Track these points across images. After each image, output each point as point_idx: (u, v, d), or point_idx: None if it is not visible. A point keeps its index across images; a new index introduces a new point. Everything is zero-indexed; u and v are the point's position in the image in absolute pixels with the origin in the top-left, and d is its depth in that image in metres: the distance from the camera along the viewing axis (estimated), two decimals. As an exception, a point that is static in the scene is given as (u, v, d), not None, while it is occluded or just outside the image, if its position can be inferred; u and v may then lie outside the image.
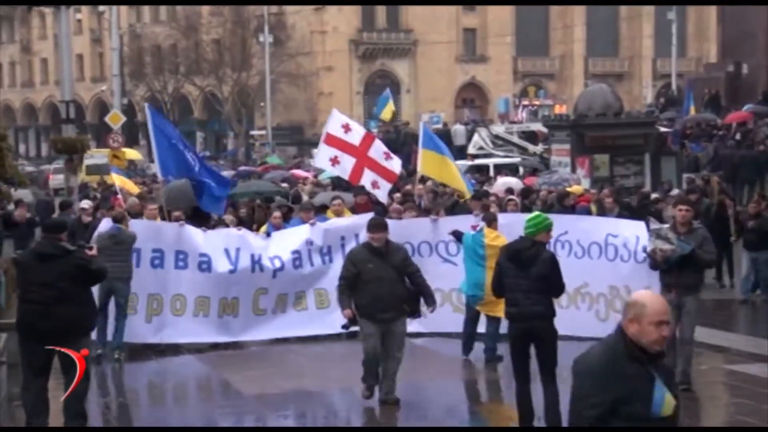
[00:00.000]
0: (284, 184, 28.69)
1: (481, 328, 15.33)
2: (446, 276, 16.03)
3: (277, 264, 16.43)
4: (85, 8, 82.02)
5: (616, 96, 32.51)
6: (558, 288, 10.94)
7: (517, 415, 10.86)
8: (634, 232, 15.62)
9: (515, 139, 44.75)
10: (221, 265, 16.33)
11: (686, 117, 37.84)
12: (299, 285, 16.60)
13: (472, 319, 15.05)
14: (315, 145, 67.12)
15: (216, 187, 18.74)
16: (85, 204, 20.84)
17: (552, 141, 32.83)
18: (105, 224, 16.27)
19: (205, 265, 16.31)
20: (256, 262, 16.42)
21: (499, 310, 13.25)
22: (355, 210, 18.38)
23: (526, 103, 77.97)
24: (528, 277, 10.63)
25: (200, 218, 18.46)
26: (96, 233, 15.70)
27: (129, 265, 15.46)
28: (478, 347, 14.97)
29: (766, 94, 37.68)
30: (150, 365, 15.79)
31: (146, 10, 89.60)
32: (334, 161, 18.55)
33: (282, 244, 16.68)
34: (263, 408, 13.28)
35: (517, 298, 10.74)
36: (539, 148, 41.41)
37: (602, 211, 19.18)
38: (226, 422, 12.84)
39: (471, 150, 42.65)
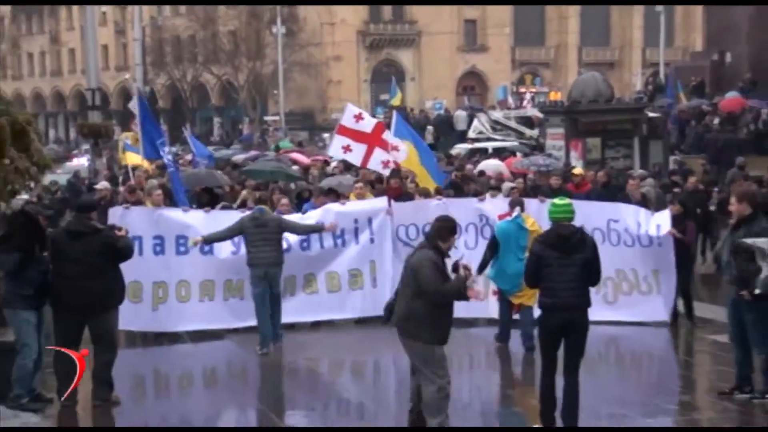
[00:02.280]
0: (295, 167, 28.58)
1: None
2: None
3: (283, 245, 15.03)
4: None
5: (608, 83, 32.47)
6: (599, 274, 10.14)
7: (540, 406, 10.05)
8: (635, 218, 15.38)
9: (513, 124, 44.78)
10: (224, 247, 15.35)
11: (682, 103, 37.78)
12: (308, 267, 15.63)
13: (507, 308, 14.14)
14: (325, 129, 67.52)
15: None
16: (104, 184, 20.79)
17: (547, 126, 32.86)
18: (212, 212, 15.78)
19: (207, 247, 15.30)
20: None
21: (533, 299, 12.51)
22: (387, 193, 17.37)
23: (523, 90, 78.05)
24: (572, 265, 9.78)
25: (213, 198, 18.27)
26: (240, 216, 14.84)
27: (277, 250, 14.38)
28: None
29: (751, 81, 37.62)
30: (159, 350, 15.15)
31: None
32: (346, 149, 18.01)
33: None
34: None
35: (556, 288, 9.81)
36: (534, 133, 41.48)
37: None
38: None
39: (471, 134, 42.70)
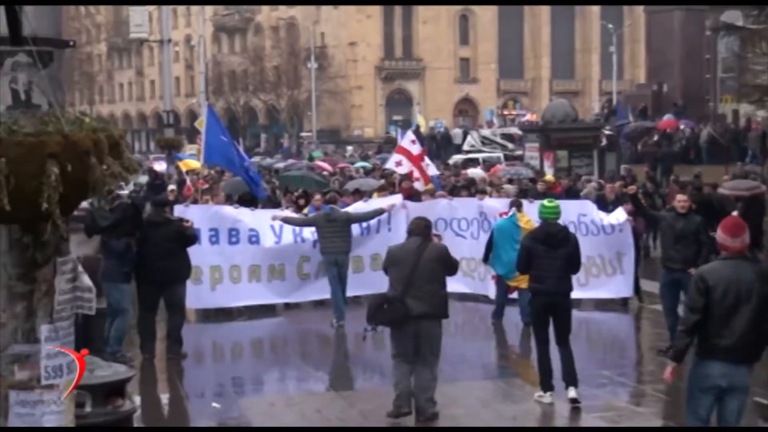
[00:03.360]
0: (325, 173, 28.42)
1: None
2: (459, 246, 14.77)
3: (317, 235, 14.32)
4: (180, 42, 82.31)
5: (573, 108, 32.46)
6: (579, 265, 9.67)
7: (539, 373, 9.58)
8: (598, 213, 15.05)
9: (498, 139, 44.83)
10: (268, 238, 14.70)
11: (632, 124, 37.75)
12: None
13: (505, 291, 13.71)
14: (348, 143, 67.46)
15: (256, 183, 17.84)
16: (171, 187, 20.56)
17: (525, 141, 32.89)
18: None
19: (254, 238, 14.64)
20: (297, 235, 14.80)
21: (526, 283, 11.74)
22: (401, 193, 16.79)
23: (506, 112, 77.91)
24: (558, 257, 9.31)
25: (247, 203, 17.69)
26: (314, 213, 14.46)
27: (346, 240, 13.79)
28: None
29: (682, 106, 37.77)
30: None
31: (225, 43, 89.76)
32: (398, 164, 18.22)
33: None
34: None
35: (544, 276, 9.33)
36: (510, 145, 42.16)
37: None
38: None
39: (465, 147, 42.75)
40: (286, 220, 14.54)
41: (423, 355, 8.86)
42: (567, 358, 9.40)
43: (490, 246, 13.70)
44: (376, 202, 15.70)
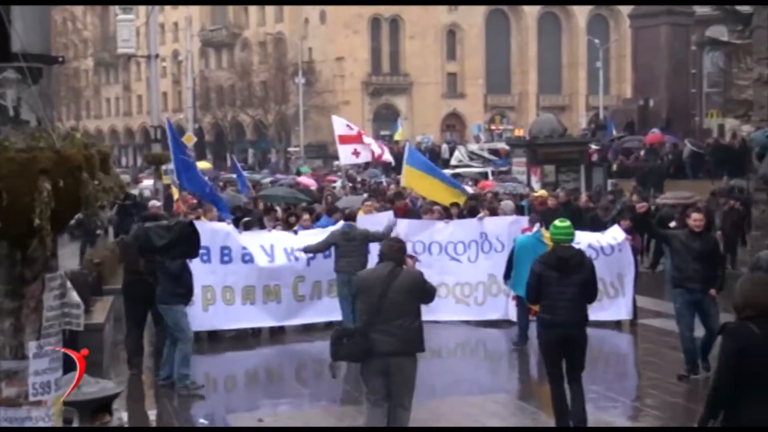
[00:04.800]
0: (312, 189, 28.22)
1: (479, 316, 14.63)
2: (452, 272, 14.69)
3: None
4: (168, 57, 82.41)
5: (560, 122, 32.65)
6: (595, 292, 8.83)
7: (554, 413, 8.70)
8: (591, 237, 14.34)
9: (485, 154, 45.02)
10: (260, 258, 14.11)
11: (622, 139, 37.85)
12: (332, 274, 13.86)
13: (525, 312, 12.69)
14: (336, 158, 67.26)
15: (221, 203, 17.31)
16: (153, 203, 20.18)
17: (513, 156, 33.00)
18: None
19: (247, 257, 14.02)
20: (290, 254, 14.16)
21: None
22: (395, 213, 16.16)
23: (494, 128, 78.03)
24: (572, 284, 8.41)
25: (238, 221, 16.64)
26: (331, 230, 13.89)
27: (361, 259, 13.08)
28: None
29: (667, 121, 38.03)
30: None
31: (212, 59, 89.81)
32: (355, 153, 16.66)
33: (313, 238, 14.15)
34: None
35: (557, 306, 8.43)
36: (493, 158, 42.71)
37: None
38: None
39: (453, 162, 42.87)
40: (307, 250, 13.87)
41: (395, 395, 7.82)
42: (578, 398, 8.60)
43: (510, 264, 12.89)
44: (366, 220, 15.08)
